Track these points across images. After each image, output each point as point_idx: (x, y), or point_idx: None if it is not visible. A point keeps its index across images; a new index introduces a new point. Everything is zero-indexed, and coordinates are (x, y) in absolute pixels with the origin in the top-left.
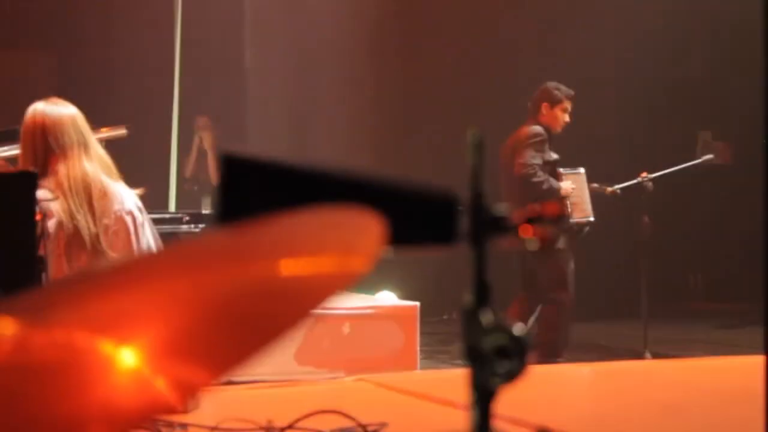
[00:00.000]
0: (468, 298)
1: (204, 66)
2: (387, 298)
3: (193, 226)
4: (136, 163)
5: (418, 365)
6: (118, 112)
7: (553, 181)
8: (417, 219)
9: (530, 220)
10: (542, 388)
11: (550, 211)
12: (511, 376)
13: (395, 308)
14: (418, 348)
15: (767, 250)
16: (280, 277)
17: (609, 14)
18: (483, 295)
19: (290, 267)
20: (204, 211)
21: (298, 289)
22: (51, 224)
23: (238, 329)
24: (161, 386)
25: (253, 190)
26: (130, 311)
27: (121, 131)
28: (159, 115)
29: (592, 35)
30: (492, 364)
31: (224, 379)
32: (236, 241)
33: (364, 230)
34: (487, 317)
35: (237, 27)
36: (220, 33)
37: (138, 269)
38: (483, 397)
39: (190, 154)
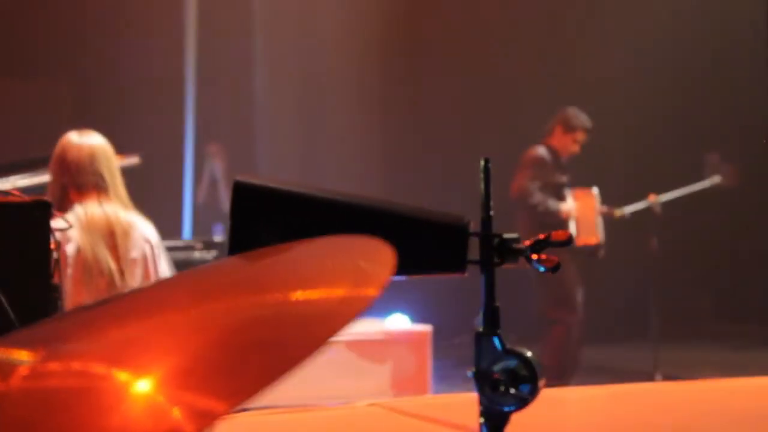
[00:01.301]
0: (479, 322)
1: (216, 93)
2: (399, 321)
3: (206, 253)
4: (150, 190)
5: (431, 389)
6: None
7: (551, 202)
8: (428, 245)
9: (538, 245)
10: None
11: (558, 236)
12: (523, 401)
13: (407, 333)
14: (431, 372)
15: None
16: (293, 305)
17: (615, 36)
18: (494, 319)
19: (303, 295)
20: (216, 239)
21: (311, 318)
22: (69, 249)
23: (252, 358)
24: (177, 416)
25: (265, 217)
26: (145, 340)
27: (135, 159)
28: (172, 143)
29: (598, 57)
30: (503, 389)
31: (239, 407)
32: (249, 268)
33: (375, 258)
34: (497, 343)
35: (248, 54)
36: (231, 61)
37: (153, 297)
38: (494, 421)
39: (201, 182)
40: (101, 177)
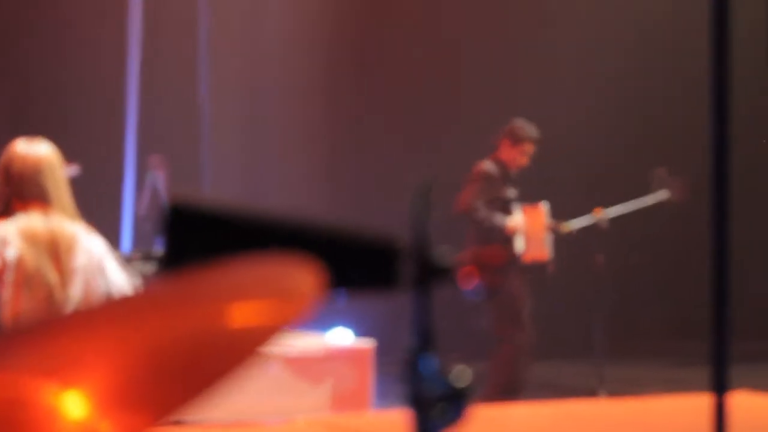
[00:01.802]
0: (411, 343)
1: (158, 103)
2: (341, 336)
3: (145, 265)
4: (90, 201)
5: (373, 406)
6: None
7: (497, 217)
8: (360, 265)
9: (473, 265)
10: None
11: (493, 257)
12: (453, 421)
13: (349, 348)
14: (373, 388)
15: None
16: (221, 323)
17: (563, 50)
18: (426, 340)
19: (230, 314)
20: (156, 251)
21: (238, 336)
22: (9, 253)
23: (180, 375)
24: (105, 429)
25: (198, 237)
26: (76, 356)
27: (75, 169)
28: (112, 153)
29: (545, 71)
30: (433, 410)
31: (165, 423)
32: (179, 288)
33: (301, 277)
34: (429, 362)
35: (191, 64)
36: (174, 71)
37: (86, 316)
38: None
39: (142, 193)
40: (45, 189)
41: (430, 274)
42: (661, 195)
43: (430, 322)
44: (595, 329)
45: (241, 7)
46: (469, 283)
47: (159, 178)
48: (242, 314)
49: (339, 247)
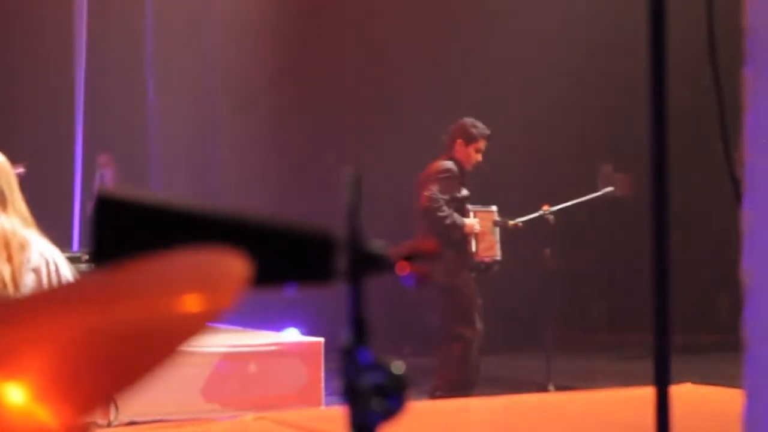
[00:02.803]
0: (346, 335)
1: (107, 104)
2: (292, 334)
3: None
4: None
5: (324, 402)
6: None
7: (457, 216)
8: (294, 257)
9: (407, 257)
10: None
11: (427, 248)
12: (390, 413)
13: (299, 345)
14: (323, 384)
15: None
16: (150, 315)
17: (507, 49)
18: (361, 332)
19: (157, 307)
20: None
21: (166, 327)
22: None
23: (114, 364)
24: (46, 420)
25: (128, 230)
26: (14, 346)
27: (20, 169)
28: (61, 153)
29: (491, 70)
30: (370, 403)
31: (93, 414)
32: (106, 282)
33: (227, 269)
34: (364, 355)
35: (139, 64)
36: (122, 70)
37: (22, 306)
38: None
39: (92, 192)
40: (1, 192)
41: (363, 264)
42: (606, 191)
43: (365, 314)
44: (543, 323)
45: (187, 8)
46: (402, 273)
47: (108, 176)
48: (172, 305)
49: (273, 239)
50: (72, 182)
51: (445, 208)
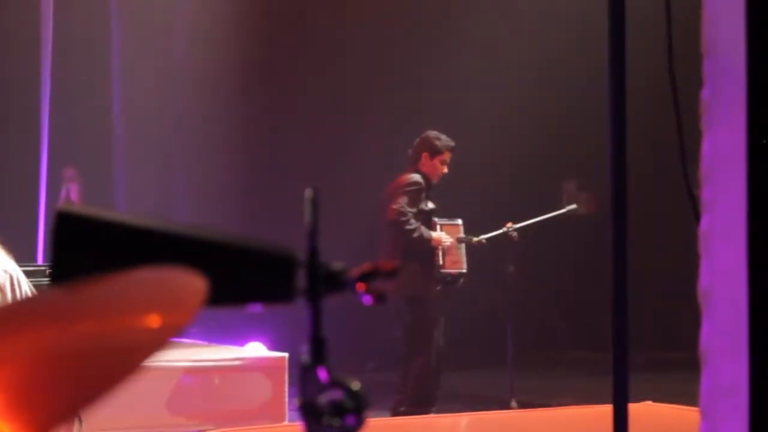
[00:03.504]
0: (304, 353)
1: (72, 116)
2: (256, 349)
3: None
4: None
5: (287, 417)
6: None
7: (424, 230)
8: (255, 276)
9: (365, 276)
10: None
11: (385, 266)
12: (348, 431)
13: (263, 359)
14: (287, 400)
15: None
16: (110, 333)
17: (474, 64)
18: (319, 350)
19: (116, 324)
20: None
21: (126, 344)
22: None
23: (74, 380)
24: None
25: (87, 247)
26: None
27: None
28: (26, 166)
29: (457, 86)
30: (328, 420)
31: (56, 430)
32: (65, 300)
33: (185, 287)
34: (323, 373)
35: (105, 76)
36: (88, 83)
37: None
38: None
39: (57, 205)
40: None
41: (322, 283)
42: (570, 208)
43: (322, 332)
44: (506, 340)
45: (153, 22)
46: (361, 291)
47: (73, 190)
48: (132, 322)
49: (235, 258)
50: (37, 195)
51: (413, 221)
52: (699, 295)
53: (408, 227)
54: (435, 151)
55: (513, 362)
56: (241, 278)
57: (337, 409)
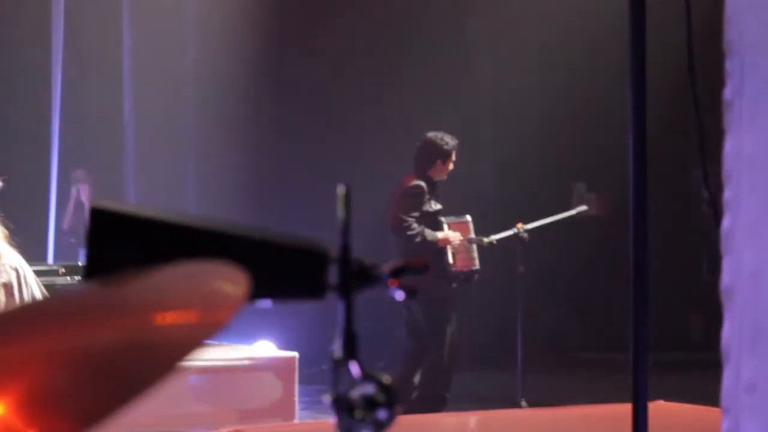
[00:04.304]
0: (337, 348)
1: (83, 118)
2: (265, 348)
3: (69, 278)
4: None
5: (297, 416)
6: None
7: (428, 232)
8: (287, 271)
9: (396, 271)
10: None
11: (416, 262)
12: (380, 426)
13: (273, 359)
14: (297, 399)
15: (635, 300)
16: (147, 330)
17: (484, 65)
18: (351, 345)
19: (157, 320)
20: (81, 264)
21: (164, 342)
22: None
23: (107, 382)
24: None
25: (123, 242)
26: (4, 363)
27: None
28: (37, 167)
29: (467, 86)
30: (360, 415)
31: (94, 430)
32: (104, 295)
33: (228, 283)
34: (355, 367)
35: (116, 78)
36: (98, 85)
37: (10, 323)
38: None
39: (67, 207)
40: None
41: (354, 279)
42: (580, 209)
43: (354, 328)
44: (516, 340)
45: (164, 22)
46: (392, 287)
47: (83, 191)
48: (168, 322)
49: (266, 253)
50: (47, 196)
51: (414, 225)
52: (721, 293)
53: (410, 233)
54: (446, 156)
55: (523, 362)
56: (273, 273)
57: (369, 403)
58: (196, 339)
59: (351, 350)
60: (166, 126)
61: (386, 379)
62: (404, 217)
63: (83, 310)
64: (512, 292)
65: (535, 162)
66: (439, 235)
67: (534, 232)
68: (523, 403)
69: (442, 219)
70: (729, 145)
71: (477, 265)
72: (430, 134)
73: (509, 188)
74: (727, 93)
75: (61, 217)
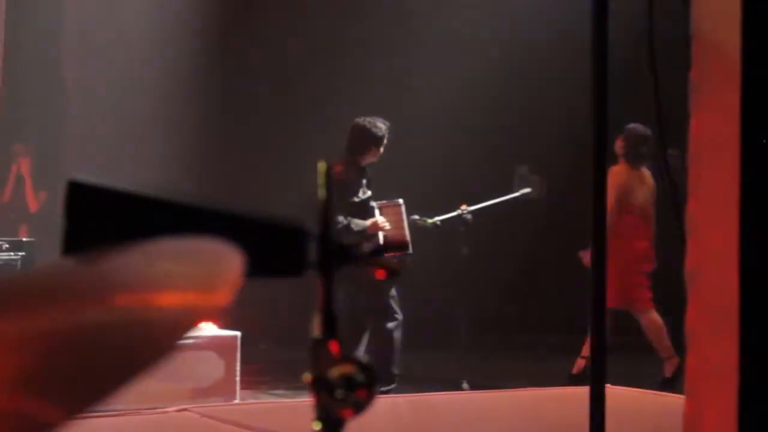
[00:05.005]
0: (316, 327)
1: (22, 91)
2: (208, 327)
3: (13, 254)
4: None
5: (238, 396)
6: None
7: (355, 222)
8: (268, 248)
9: (377, 250)
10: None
11: (396, 241)
12: (359, 406)
13: (216, 338)
14: (238, 378)
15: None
16: (138, 310)
17: (427, 46)
18: (331, 324)
19: (145, 301)
20: (24, 239)
21: (156, 323)
22: None
23: (92, 365)
24: (12, 424)
25: (100, 217)
26: None
27: None
28: None
29: (410, 67)
30: (340, 395)
31: (82, 413)
32: (90, 271)
33: (225, 261)
34: (335, 346)
35: (58, 53)
36: (39, 59)
37: None
38: (330, 427)
39: (7, 182)
40: None
41: (335, 257)
42: (524, 192)
43: (333, 306)
44: (458, 322)
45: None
46: (373, 265)
47: (23, 165)
48: (165, 302)
49: (248, 230)
50: None
51: (340, 218)
52: (685, 275)
53: (337, 227)
54: (380, 142)
55: (465, 344)
56: (252, 250)
57: (349, 383)
58: (190, 322)
59: (330, 330)
60: (107, 101)
61: (365, 358)
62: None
63: (64, 289)
64: (455, 273)
65: (477, 143)
66: (367, 222)
67: (476, 214)
68: (465, 385)
69: (374, 204)
70: (694, 127)
71: (408, 249)
72: (361, 120)
73: (452, 170)
74: (693, 75)
75: (2, 192)
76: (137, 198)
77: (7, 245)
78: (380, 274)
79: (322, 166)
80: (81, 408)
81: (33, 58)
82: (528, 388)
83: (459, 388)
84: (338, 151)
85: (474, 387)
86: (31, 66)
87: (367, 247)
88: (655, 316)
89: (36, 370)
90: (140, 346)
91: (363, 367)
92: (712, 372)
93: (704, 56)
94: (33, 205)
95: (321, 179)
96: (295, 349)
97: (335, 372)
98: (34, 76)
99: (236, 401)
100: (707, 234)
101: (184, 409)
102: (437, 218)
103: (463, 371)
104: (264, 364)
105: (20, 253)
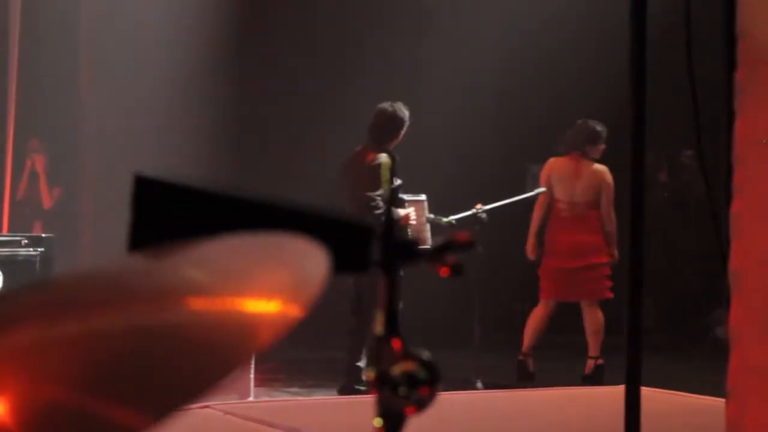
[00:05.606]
0: (379, 324)
1: (38, 87)
2: None
3: (32, 249)
4: None
5: (252, 394)
6: None
7: (393, 211)
8: (335, 245)
9: (441, 248)
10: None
11: (462, 239)
12: (422, 402)
13: None
14: (252, 376)
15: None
16: (214, 313)
17: (443, 44)
18: (394, 322)
19: (223, 304)
20: (43, 235)
21: (231, 333)
22: None
23: (163, 370)
24: (84, 425)
25: (168, 212)
26: (57, 348)
27: None
28: None
29: (427, 69)
30: (403, 392)
31: (171, 414)
32: (166, 268)
33: (311, 262)
34: (397, 344)
35: (72, 47)
36: (54, 53)
37: (57, 299)
38: (392, 424)
39: (22, 177)
40: None
41: (398, 254)
42: (539, 191)
43: (397, 304)
44: (473, 320)
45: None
46: (437, 263)
47: (38, 161)
48: (245, 304)
49: (317, 226)
50: (2, 166)
51: (381, 204)
52: (729, 276)
53: (378, 212)
54: (403, 127)
55: (479, 343)
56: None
57: (411, 380)
58: (274, 329)
59: (393, 327)
60: (122, 97)
61: (427, 355)
62: (372, 195)
63: (133, 288)
64: (469, 272)
65: (490, 143)
66: (401, 212)
67: (492, 212)
68: (479, 384)
69: (401, 196)
70: (739, 128)
71: (429, 245)
72: (385, 105)
73: (467, 169)
74: (740, 76)
75: (16, 188)
76: (205, 193)
77: (25, 241)
78: (444, 272)
79: (384, 158)
80: (152, 413)
81: (48, 54)
82: (542, 388)
83: (473, 387)
84: (350, 143)
85: (487, 386)
86: (46, 62)
87: (433, 243)
88: (600, 314)
89: (105, 370)
90: (211, 357)
91: (425, 364)
92: (755, 373)
93: (751, 57)
94: (47, 201)
95: (385, 174)
96: (308, 349)
97: (398, 369)
98: (49, 72)
99: (250, 399)
100: (752, 235)
101: (206, 406)
102: (452, 217)
103: (477, 370)
104: (278, 363)
105: (39, 249)
